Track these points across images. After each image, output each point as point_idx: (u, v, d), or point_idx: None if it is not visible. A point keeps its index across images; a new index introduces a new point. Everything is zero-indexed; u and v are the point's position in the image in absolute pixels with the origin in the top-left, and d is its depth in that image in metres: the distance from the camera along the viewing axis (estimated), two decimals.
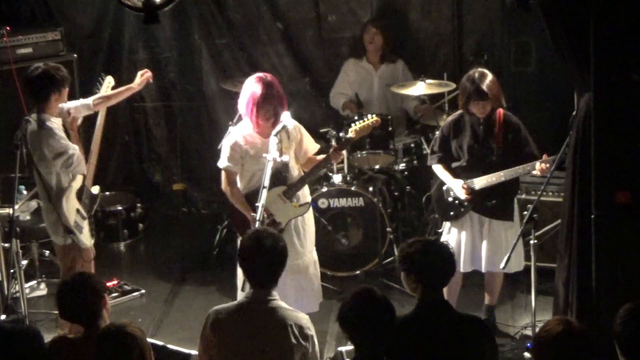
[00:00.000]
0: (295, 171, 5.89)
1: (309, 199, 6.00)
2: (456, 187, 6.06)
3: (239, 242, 5.80)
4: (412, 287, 4.37)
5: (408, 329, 4.22)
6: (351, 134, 5.86)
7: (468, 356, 4.22)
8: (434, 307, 4.29)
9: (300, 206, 5.85)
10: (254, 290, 4.45)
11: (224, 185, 5.89)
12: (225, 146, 5.85)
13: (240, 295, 5.87)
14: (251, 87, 5.73)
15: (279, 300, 4.46)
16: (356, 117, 7.32)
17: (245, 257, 4.50)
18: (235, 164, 5.79)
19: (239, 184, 5.87)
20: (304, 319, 4.44)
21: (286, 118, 5.75)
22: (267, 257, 4.42)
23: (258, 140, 5.79)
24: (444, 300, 4.38)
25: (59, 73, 5.99)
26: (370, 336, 4.00)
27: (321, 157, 5.94)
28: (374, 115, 6.00)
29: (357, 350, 4.06)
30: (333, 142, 6.81)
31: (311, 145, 6.00)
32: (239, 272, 5.77)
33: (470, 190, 6.01)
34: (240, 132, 5.84)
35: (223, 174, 5.88)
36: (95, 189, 6.20)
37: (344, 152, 6.08)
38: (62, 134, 5.86)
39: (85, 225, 6.06)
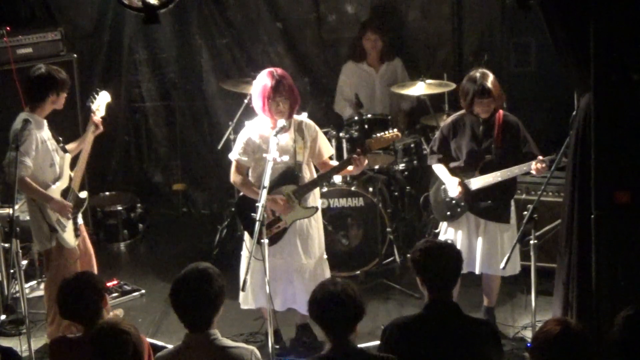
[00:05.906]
0: (307, 173, 5.85)
1: (318, 203, 5.94)
2: (452, 184, 6.05)
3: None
4: (422, 288, 4.37)
5: (415, 329, 4.23)
6: (369, 143, 5.81)
7: (474, 358, 4.22)
8: (441, 308, 4.29)
9: (306, 208, 5.81)
10: (192, 334, 4.18)
11: (232, 176, 5.87)
12: (239, 139, 5.86)
13: (241, 296, 5.89)
14: (262, 81, 5.72)
15: (220, 338, 4.18)
16: (356, 117, 7.32)
17: (176, 299, 4.17)
18: (247, 157, 5.78)
19: (250, 179, 5.84)
20: (247, 354, 4.17)
21: (302, 117, 5.83)
22: (200, 299, 4.13)
23: None
24: (452, 302, 4.36)
25: (60, 76, 6.03)
26: (334, 327, 4.04)
27: (336, 163, 5.92)
28: (395, 130, 6.01)
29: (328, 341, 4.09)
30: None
31: (325, 148, 5.94)
32: (241, 272, 5.78)
33: (466, 189, 6.01)
34: (255, 128, 5.81)
35: (233, 165, 5.87)
36: (84, 194, 6.23)
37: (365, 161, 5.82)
38: (36, 143, 5.84)
39: (69, 225, 6.08)
